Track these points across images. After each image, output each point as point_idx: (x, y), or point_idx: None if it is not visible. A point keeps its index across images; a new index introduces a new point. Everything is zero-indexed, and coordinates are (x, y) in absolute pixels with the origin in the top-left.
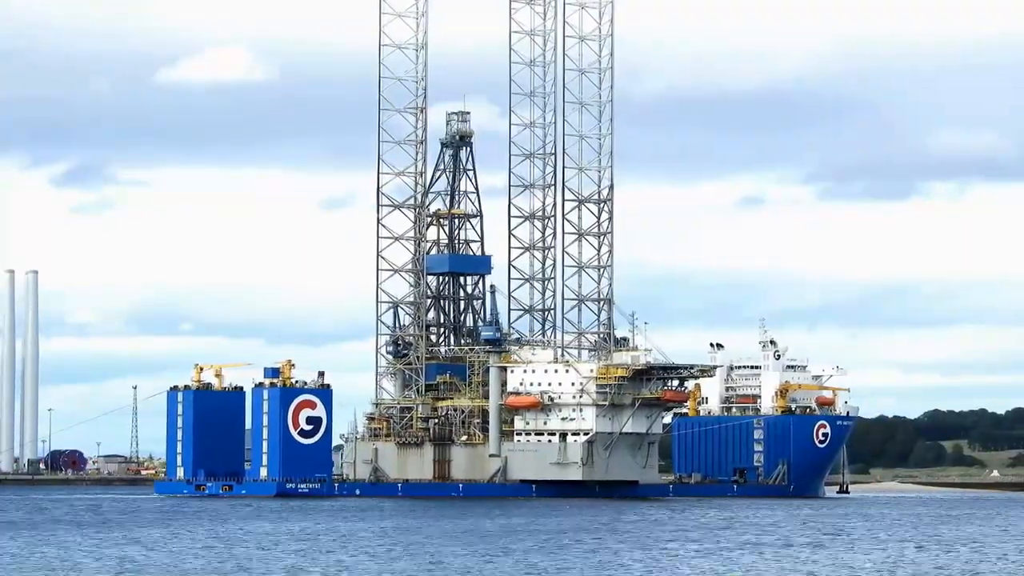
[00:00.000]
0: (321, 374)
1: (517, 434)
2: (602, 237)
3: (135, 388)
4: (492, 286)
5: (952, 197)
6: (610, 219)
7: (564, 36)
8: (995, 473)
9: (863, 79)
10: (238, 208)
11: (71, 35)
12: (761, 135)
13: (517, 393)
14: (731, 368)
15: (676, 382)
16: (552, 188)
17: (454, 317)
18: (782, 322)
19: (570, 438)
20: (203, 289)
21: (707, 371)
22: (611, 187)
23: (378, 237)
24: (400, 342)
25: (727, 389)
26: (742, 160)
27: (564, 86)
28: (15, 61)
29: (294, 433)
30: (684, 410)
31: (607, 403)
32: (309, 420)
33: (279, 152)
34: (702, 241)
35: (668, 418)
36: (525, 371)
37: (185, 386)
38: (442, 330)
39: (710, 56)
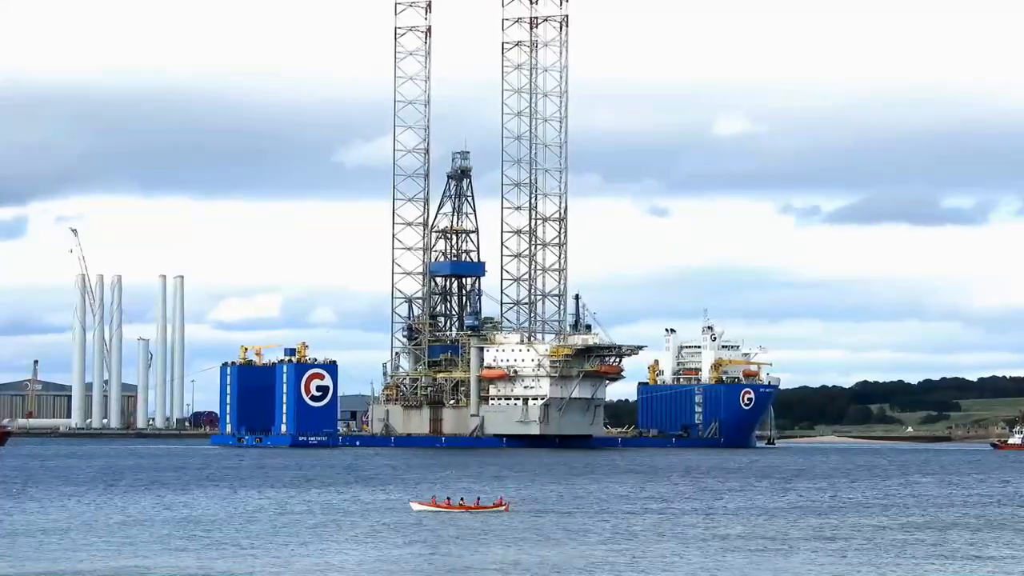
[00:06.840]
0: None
1: (491, 399)
2: (560, 248)
3: None
4: (477, 287)
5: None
6: (565, 234)
7: (535, 96)
8: (910, 429)
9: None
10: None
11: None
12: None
13: (491, 367)
14: (681, 348)
15: (613, 359)
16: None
17: (458, 309)
18: (750, 315)
19: (531, 402)
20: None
21: (634, 351)
22: (566, 209)
23: (393, 248)
24: (412, 328)
25: (678, 364)
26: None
27: (534, 133)
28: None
29: (306, 398)
30: (644, 380)
31: (558, 375)
32: (319, 388)
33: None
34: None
35: (615, 386)
36: (498, 350)
37: (232, 363)
38: (445, 320)
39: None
